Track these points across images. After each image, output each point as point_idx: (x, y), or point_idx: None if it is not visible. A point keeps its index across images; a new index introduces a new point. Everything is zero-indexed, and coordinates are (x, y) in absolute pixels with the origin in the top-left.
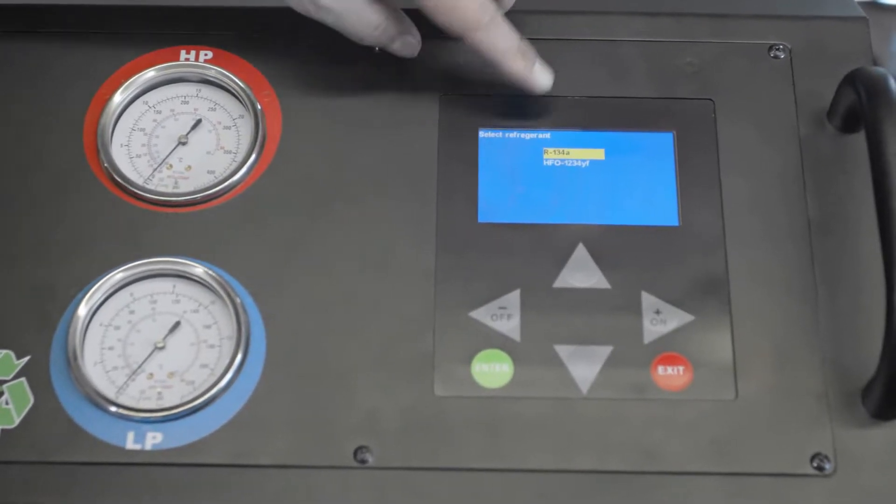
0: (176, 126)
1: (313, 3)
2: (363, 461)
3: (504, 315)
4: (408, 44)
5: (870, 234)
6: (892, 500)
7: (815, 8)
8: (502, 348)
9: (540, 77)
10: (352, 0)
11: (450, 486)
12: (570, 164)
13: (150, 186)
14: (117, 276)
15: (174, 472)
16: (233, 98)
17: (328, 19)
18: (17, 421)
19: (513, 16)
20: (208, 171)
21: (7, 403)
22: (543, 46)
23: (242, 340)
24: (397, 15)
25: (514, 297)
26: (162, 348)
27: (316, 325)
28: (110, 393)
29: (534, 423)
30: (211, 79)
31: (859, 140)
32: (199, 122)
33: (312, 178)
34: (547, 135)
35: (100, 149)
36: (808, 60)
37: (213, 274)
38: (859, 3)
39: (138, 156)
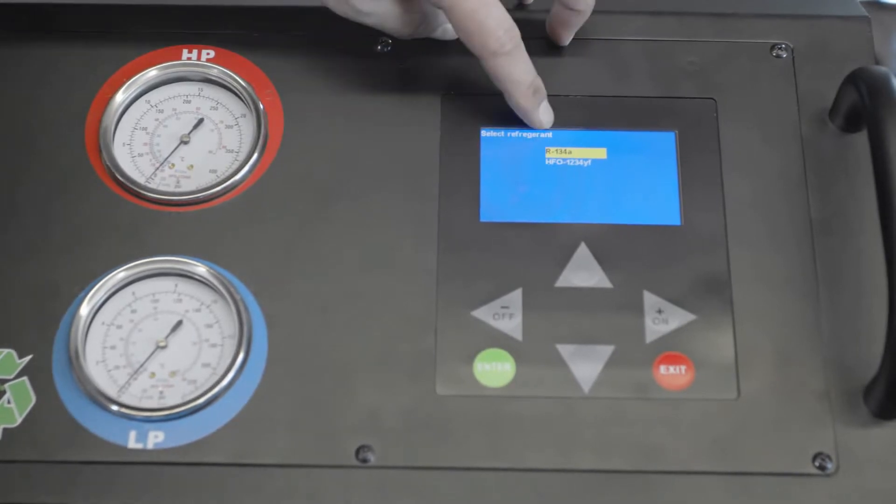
0: (178, 125)
1: (353, 9)
2: (365, 460)
3: (506, 314)
4: (447, 30)
5: (872, 233)
6: (894, 499)
7: (818, 7)
8: (504, 347)
9: (543, 115)
10: (390, 4)
11: (452, 485)
12: (571, 164)
13: (152, 185)
14: (119, 275)
15: (176, 472)
16: (235, 97)
17: (368, 21)
18: (19, 420)
19: (515, 15)
20: (210, 171)
21: (9, 402)
22: (545, 46)
23: (244, 339)
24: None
25: (516, 296)
26: (164, 347)
27: (318, 324)
28: (112, 392)
29: (536, 422)
30: (213, 78)
31: (861, 139)
32: (201, 121)
33: (314, 177)
34: (549, 134)
35: (102, 148)
36: (810, 60)
37: (215, 273)
38: (861, 3)
39: (140, 155)
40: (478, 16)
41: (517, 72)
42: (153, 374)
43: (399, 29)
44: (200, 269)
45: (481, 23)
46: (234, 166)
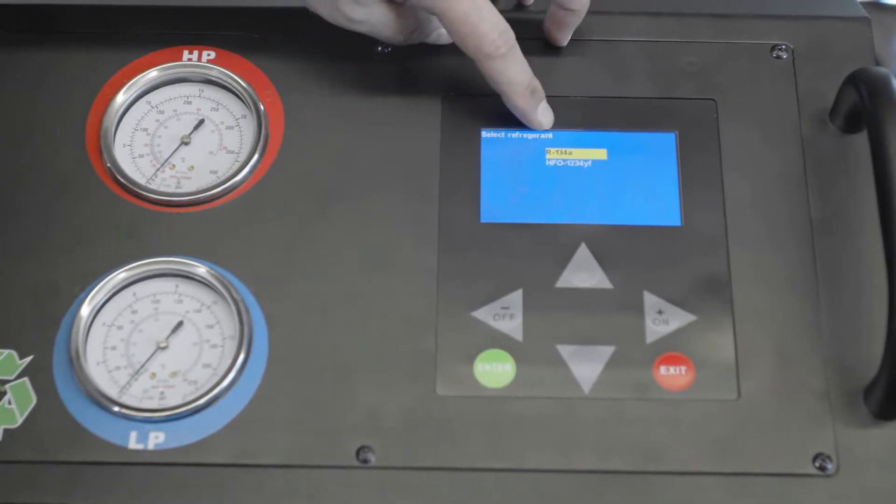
0: (179, 126)
1: (346, 17)
2: (365, 461)
3: (506, 315)
4: (441, 35)
5: (872, 234)
6: (894, 499)
7: (818, 8)
8: (504, 348)
9: (542, 116)
10: (382, 12)
11: (452, 485)
12: (572, 164)
13: (153, 186)
14: (120, 275)
15: (177, 472)
16: (235, 98)
17: (361, 29)
18: (19, 420)
19: (515, 16)
20: (211, 171)
21: (10, 403)
22: (545, 47)
23: (245, 340)
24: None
25: (516, 296)
26: (164, 348)
27: (318, 324)
28: (113, 393)
29: (536, 422)
30: (213, 79)
31: (861, 140)
32: (201, 122)
33: (315, 178)
34: (549, 135)
35: (103, 149)
36: (811, 60)
37: (216, 274)
38: (861, 3)
39: (141, 156)
40: (471, 19)
41: (513, 73)
42: (154, 375)
43: (392, 36)
44: (201, 269)
45: (475, 26)
46: (235, 167)
